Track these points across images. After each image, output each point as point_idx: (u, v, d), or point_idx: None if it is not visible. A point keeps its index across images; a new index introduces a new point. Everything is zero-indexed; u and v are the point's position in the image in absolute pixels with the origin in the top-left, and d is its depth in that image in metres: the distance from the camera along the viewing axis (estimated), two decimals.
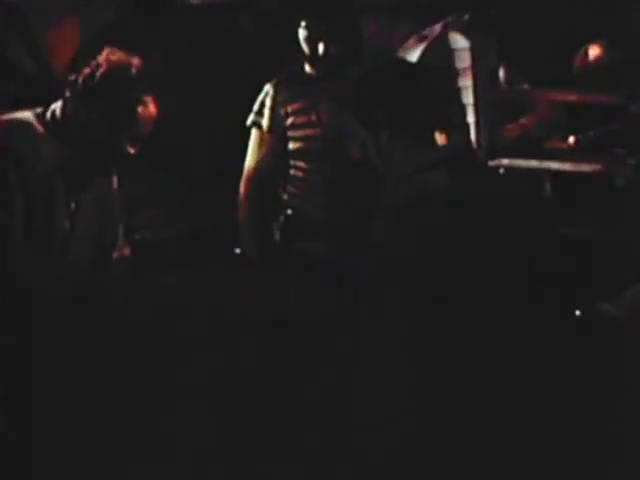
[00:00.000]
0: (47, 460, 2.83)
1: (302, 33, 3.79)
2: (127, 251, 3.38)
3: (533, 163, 4.84)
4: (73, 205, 3.15)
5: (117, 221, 3.37)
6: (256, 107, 3.87)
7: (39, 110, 3.16)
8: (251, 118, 3.87)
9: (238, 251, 3.89)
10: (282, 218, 3.83)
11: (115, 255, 3.34)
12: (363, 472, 2.64)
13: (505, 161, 4.80)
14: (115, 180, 3.32)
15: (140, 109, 3.07)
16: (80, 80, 3.06)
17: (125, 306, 3.05)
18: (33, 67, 4.98)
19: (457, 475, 2.55)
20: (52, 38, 5.01)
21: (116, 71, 3.05)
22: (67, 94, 3.10)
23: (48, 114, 3.12)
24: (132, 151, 3.11)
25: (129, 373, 2.89)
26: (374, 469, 2.61)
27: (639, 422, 2.77)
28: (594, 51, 5.48)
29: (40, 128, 3.10)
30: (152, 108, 3.12)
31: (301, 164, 3.79)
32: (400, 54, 4.92)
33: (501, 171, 4.70)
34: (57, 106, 3.13)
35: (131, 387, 2.89)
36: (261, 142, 3.85)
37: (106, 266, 3.27)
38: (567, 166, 4.80)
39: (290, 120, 3.79)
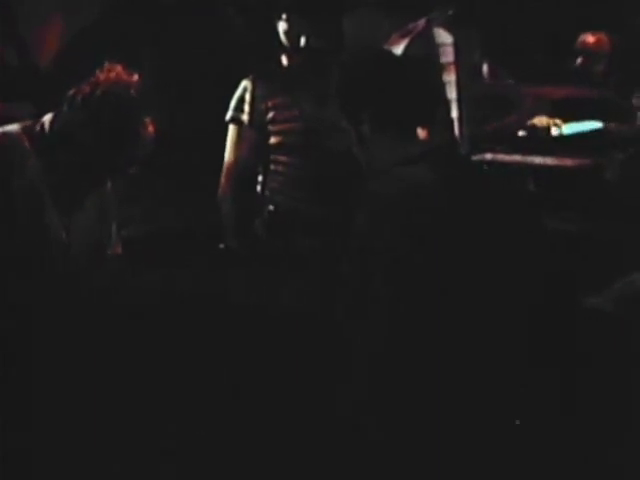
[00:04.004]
0: (45, 458, 2.82)
1: (283, 26, 3.76)
2: (119, 250, 3.35)
3: (516, 158, 4.84)
4: (67, 216, 3.12)
5: (112, 220, 3.34)
6: (234, 103, 3.84)
7: (27, 123, 3.11)
8: (230, 114, 3.84)
9: (222, 246, 3.87)
10: (265, 214, 3.81)
11: (109, 253, 3.31)
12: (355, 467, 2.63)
13: (488, 156, 4.80)
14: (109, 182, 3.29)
15: (140, 131, 3.03)
16: (79, 97, 3.01)
17: (122, 303, 3.03)
18: (17, 62, 4.95)
19: (451, 468, 2.54)
20: (37, 32, 4.98)
21: (116, 90, 3.01)
22: (64, 109, 3.05)
23: (37, 128, 3.07)
24: (130, 170, 3.08)
25: (125, 373, 2.88)
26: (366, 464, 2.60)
27: (629, 411, 2.78)
28: (597, 36, 5.52)
29: (26, 143, 3.05)
30: (150, 128, 3.08)
31: (282, 159, 3.77)
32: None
33: (484, 166, 4.70)
34: (46, 120, 3.08)
35: (126, 385, 2.88)
36: (241, 138, 3.82)
37: (100, 264, 3.25)
38: (550, 161, 4.81)
39: (271, 115, 3.76)
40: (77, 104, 3.01)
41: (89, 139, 3.00)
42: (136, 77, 3.05)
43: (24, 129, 3.09)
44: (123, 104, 3.01)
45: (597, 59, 5.53)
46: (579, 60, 5.53)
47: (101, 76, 3.02)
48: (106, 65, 3.05)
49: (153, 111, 3.11)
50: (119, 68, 3.04)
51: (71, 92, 3.04)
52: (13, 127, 3.10)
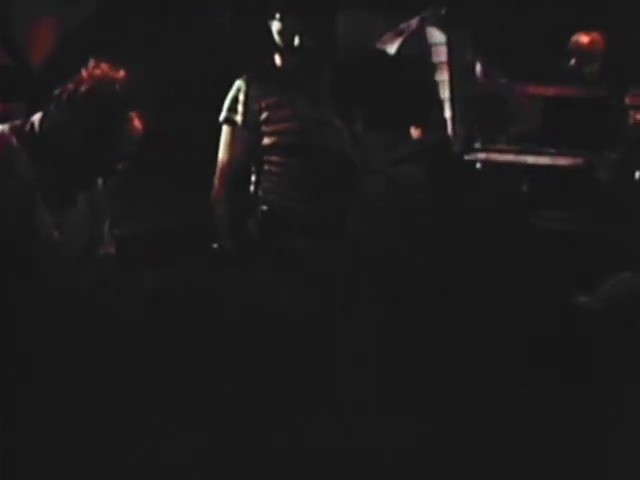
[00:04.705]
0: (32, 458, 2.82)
1: (276, 25, 3.75)
2: (112, 250, 3.34)
3: (509, 157, 4.84)
4: (59, 215, 3.11)
5: (104, 218, 3.33)
6: (228, 103, 3.83)
7: (16, 123, 3.10)
8: (223, 115, 3.83)
9: (215, 246, 3.86)
10: (259, 214, 3.80)
11: (102, 253, 3.29)
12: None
13: (481, 155, 4.80)
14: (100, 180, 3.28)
15: (126, 127, 3.02)
16: (64, 96, 3.01)
17: (114, 303, 3.03)
18: (10, 61, 4.94)
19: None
20: (31, 31, 4.98)
21: (100, 87, 3.00)
22: (51, 108, 3.04)
23: (27, 127, 3.07)
24: (118, 167, 3.06)
25: (118, 373, 2.88)
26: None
27: (617, 410, 2.79)
28: (590, 35, 5.51)
29: (15, 143, 3.04)
30: (138, 124, 3.07)
31: (276, 159, 3.76)
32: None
33: (478, 165, 4.71)
34: (36, 119, 3.07)
35: (119, 385, 2.88)
36: (234, 138, 3.82)
37: (92, 264, 3.24)
38: (544, 160, 4.81)
39: (264, 115, 3.76)
40: (63, 103, 3.01)
41: (77, 137, 3.00)
42: (122, 73, 3.04)
43: (12, 129, 3.08)
44: (107, 100, 3.00)
45: (591, 59, 5.51)
46: (573, 60, 5.52)
47: (85, 74, 3.02)
48: (91, 63, 3.04)
49: (142, 107, 3.10)
50: (104, 65, 3.04)
51: (57, 91, 3.04)
52: (1, 127, 3.10)
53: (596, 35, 5.54)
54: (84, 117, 2.99)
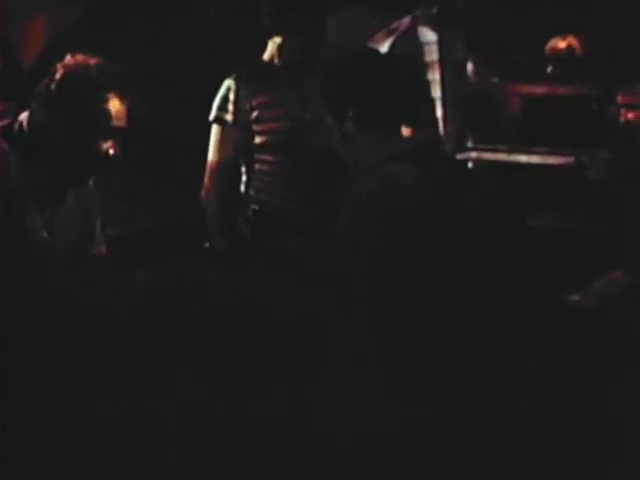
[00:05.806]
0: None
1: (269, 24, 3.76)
2: (104, 249, 3.33)
3: (501, 156, 4.85)
4: (50, 214, 3.10)
5: (95, 218, 3.32)
6: (218, 102, 3.81)
7: (5, 122, 3.09)
8: (214, 113, 3.82)
9: (207, 245, 3.86)
10: (249, 213, 3.80)
11: (93, 252, 3.29)
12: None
13: (473, 154, 4.81)
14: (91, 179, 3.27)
15: (106, 106, 3.01)
16: (42, 90, 3.00)
17: (107, 303, 3.03)
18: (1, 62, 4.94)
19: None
20: (21, 32, 4.97)
21: (73, 73, 2.99)
22: (34, 105, 3.04)
23: (15, 127, 3.06)
24: (112, 151, 3.05)
25: (111, 373, 2.88)
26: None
27: (610, 408, 2.79)
28: (568, 41, 5.49)
29: (3, 144, 3.03)
30: (118, 103, 3.05)
31: (268, 158, 3.76)
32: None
33: (469, 164, 4.72)
34: (23, 118, 3.06)
35: (110, 386, 2.87)
36: (225, 137, 3.81)
37: (83, 264, 3.23)
38: (535, 159, 4.82)
39: (255, 114, 3.75)
40: (42, 97, 3.01)
41: (59, 128, 2.99)
42: (95, 59, 3.03)
43: (0, 129, 3.07)
44: (81, 84, 2.99)
45: (569, 63, 5.47)
46: (550, 68, 5.49)
47: (60, 65, 3.02)
48: (67, 56, 3.04)
49: (123, 89, 3.09)
50: (78, 55, 3.04)
51: (37, 88, 3.04)
52: None
53: (572, 39, 5.50)
54: (62, 106, 2.99)
